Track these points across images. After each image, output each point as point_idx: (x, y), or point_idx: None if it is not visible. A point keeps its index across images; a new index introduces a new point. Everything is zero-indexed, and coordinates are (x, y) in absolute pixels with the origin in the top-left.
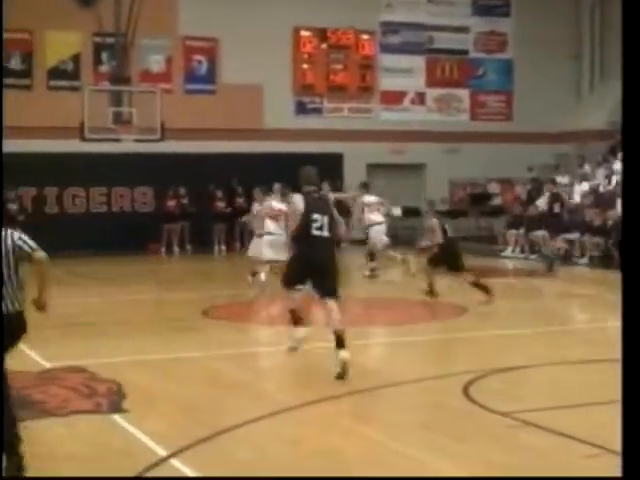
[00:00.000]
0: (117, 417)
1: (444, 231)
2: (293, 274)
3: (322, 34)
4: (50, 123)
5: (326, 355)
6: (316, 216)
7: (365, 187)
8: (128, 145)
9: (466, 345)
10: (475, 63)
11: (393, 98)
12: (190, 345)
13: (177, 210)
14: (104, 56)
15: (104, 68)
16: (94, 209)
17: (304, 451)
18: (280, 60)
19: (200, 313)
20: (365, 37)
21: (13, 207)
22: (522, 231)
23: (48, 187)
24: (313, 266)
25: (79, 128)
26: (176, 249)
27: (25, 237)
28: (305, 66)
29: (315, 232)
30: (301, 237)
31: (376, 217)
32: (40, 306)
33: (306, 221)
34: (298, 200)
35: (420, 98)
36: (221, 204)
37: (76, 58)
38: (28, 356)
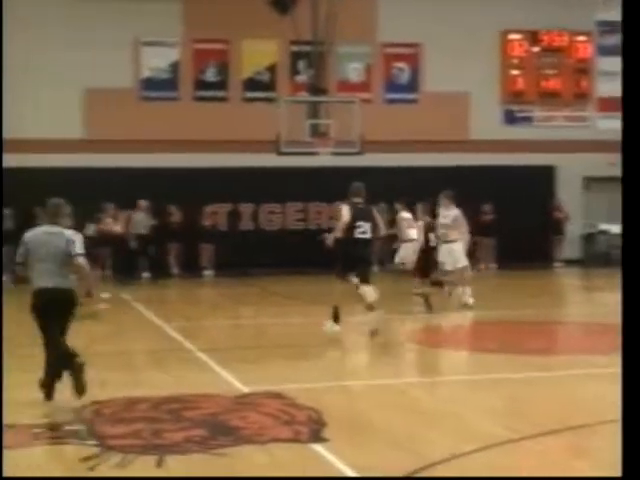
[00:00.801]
0: (318, 447)
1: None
2: (345, 267)
3: (533, 36)
4: (245, 136)
5: (525, 385)
6: (360, 222)
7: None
8: (325, 159)
9: None
10: None
11: (612, 105)
12: (390, 370)
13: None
14: (301, 65)
15: (301, 78)
16: (290, 226)
17: None
18: (487, 66)
19: (403, 337)
20: (580, 38)
21: (208, 224)
22: None
23: (243, 203)
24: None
25: (275, 141)
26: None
27: (76, 238)
28: (514, 72)
29: (359, 235)
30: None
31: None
32: (88, 294)
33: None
34: (345, 210)
35: None
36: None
37: (272, 68)
38: (225, 379)
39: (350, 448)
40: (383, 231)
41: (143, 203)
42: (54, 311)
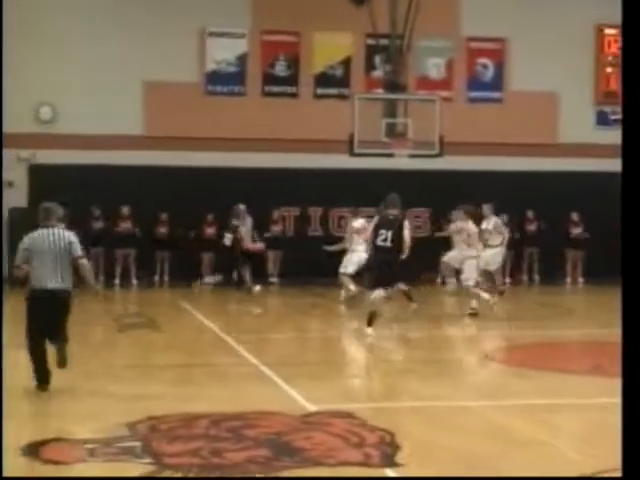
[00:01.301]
0: (390, 471)
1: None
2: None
3: None
4: (316, 135)
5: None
6: (382, 231)
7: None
8: (402, 161)
9: None
10: None
11: None
12: (467, 391)
13: None
14: (377, 60)
15: (377, 74)
16: None
17: None
18: (579, 63)
19: (481, 355)
20: None
21: (276, 229)
22: None
23: (312, 207)
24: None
25: (348, 141)
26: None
27: (76, 240)
28: (609, 70)
29: (379, 243)
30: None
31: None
32: (95, 292)
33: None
34: (374, 220)
35: None
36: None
37: (346, 62)
38: (290, 396)
39: (425, 474)
40: (408, 243)
41: (242, 207)
42: (53, 311)
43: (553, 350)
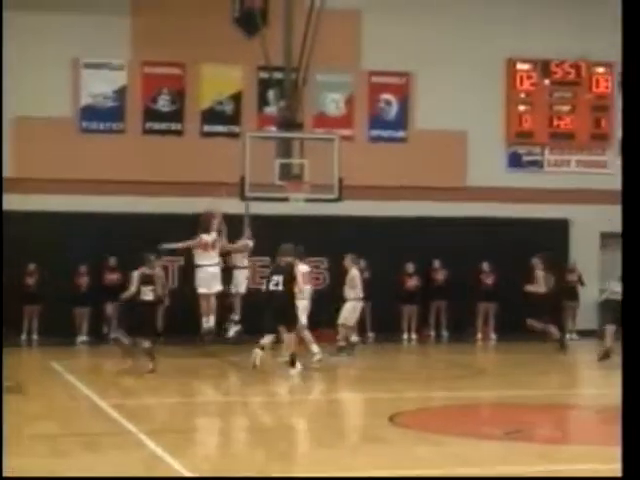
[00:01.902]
0: None
1: None
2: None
3: (544, 67)
4: (204, 177)
5: None
6: (274, 277)
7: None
8: (298, 206)
9: None
10: None
11: None
12: (370, 460)
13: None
14: (270, 95)
15: (270, 110)
16: (254, 285)
17: None
18: (490, 100)
19: (384, 418)
20: (600, 70)
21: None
22: None
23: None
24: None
25: (239, 184)
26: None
27: None
28: (522, 108)
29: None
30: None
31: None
32: None
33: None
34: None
35: None
36: (411, 282)
37: (236, 97)
38: (173, 468)
39: None
40: (302, 287)
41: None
42: None
43: (464, 413)
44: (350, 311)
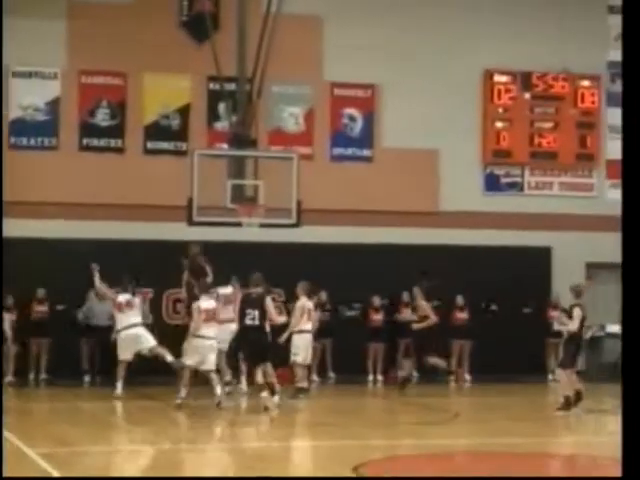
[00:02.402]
0: None
1: None
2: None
3: (525, 79)
4: (147, 199)
5: None
6: (249, 310)
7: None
8: (252, 231)
9: None
10: None
11: None
12: None
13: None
14: (221, 109)
15: (221, 125)
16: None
17: None
18: (464, 116)
19: (348, 468)
20: (585, 84)
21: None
22: None
23: (142, 288)
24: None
25: (186, 207)
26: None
27: None
28: (499, 124)
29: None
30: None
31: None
32: None
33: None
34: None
35: None
36: (377, 316)
37: (184, 111)
38: None
39: None
40: (276, 320)
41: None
42: None
43: (437, 463)
44: (302, 347)
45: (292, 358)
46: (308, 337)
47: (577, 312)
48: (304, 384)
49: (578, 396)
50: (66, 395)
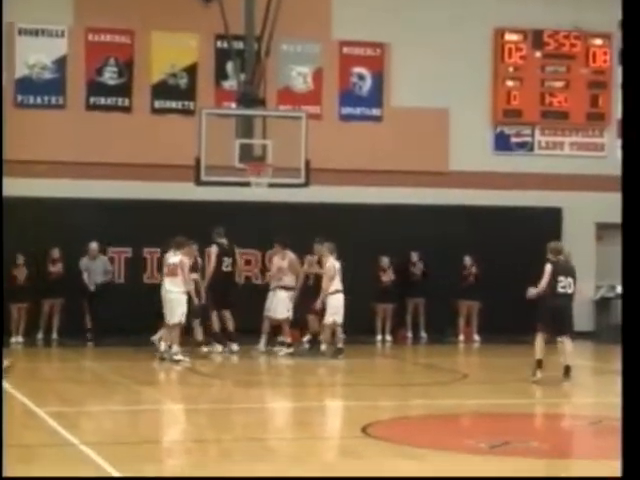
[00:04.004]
0: None
1: None
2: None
3: (536, 38)
4: (154, 159)
5: None
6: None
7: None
8: (260, 191)
9: None
10: None
11: None
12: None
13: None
14: (229, 68)
15: (229, 84)
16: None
17: None
18: (475, 74)
19: (356, 430)
20: (597, 42)
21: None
22: None
23: (148, 248)
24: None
25: (194, 167)
26: None
27: None
28: (510, 83)
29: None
30: None
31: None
32: None
33: None
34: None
35: None
36: (386, 277)
37: (192, 70)
38: None
39: None
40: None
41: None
42: None
43: (445, 424)
44: (339, 307)
45: (331, 318)
46: (341, 297)
47: (547, 267)
48: (340, 344)
49: (538, 364)
50: (74, 355)
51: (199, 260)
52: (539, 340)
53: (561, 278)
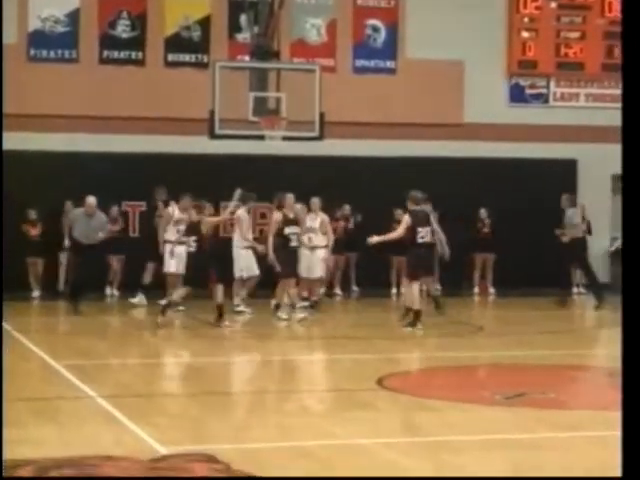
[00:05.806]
0: None
1: None
2: None
3: None
4: (168, 112)
5: (531, 449)
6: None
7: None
8: (275, 145)
9: None
10: None
11: None
12: (359, 426)
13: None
14: (243, 20)
15: (243, 37)
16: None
17: None
18: (489, 25)
19: (371, 382)
20: None
21: (115, 228)
22: None
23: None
24: None
25: (208, 120)
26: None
27: None
28: (525, 34)
29: None
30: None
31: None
32: None
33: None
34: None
35: None
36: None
37: (205, 22)
38: (137, 437)
39: None
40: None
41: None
42: None
43: (460, 376)
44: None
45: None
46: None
47: (405, 217)
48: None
49: (416, 315)
50: (91, 310)
51: (193, 214)
52: (415, 289)
53: (419, 229)
